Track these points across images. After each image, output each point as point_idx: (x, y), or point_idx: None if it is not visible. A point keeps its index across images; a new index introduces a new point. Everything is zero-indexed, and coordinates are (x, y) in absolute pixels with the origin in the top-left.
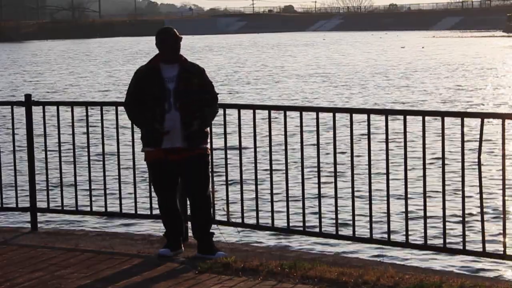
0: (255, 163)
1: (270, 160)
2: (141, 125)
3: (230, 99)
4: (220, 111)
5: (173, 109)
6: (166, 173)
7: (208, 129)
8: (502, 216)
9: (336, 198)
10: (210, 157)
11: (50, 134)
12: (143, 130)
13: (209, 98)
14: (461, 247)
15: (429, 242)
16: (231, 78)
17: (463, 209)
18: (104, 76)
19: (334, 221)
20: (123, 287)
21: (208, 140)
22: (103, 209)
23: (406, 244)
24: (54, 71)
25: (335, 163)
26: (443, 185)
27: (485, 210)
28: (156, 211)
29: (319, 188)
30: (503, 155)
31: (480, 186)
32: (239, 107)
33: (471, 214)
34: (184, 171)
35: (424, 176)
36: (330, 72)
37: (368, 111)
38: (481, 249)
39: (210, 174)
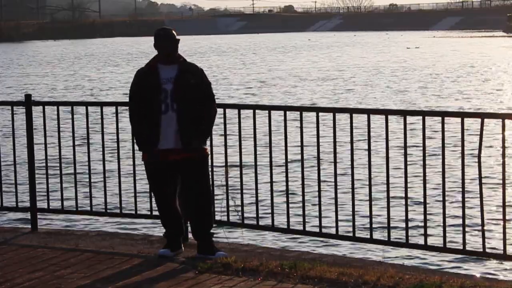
0: (255, 163)
1: (270, 160)
2: (137, 135)
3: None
4: (220, 111)
5: (170, 110)
6: (164, 173)
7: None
8: (502, 216)
9: (336, 198)
10: (209, 158)
11: (50, 135)
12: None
13: (205, 98)
14: (461, 247)
15: (429, 242)
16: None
17: (463, 209)
18: (104, 76)
19: (334, 221)
20: (123, 287)
21: (207, 141)
22: (103, 209)
23: (406, 244)
24: (54, 71)
25: (335, 163)
26: (443, 185)
27: (485, 210)
28: (156, 211)
29: (319, 188)
30: (503, 155)
31: (480, 186)
32: (239, 107)
33: (471, 214)
34: (182, 172)
35: (424, 176)
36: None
37: (368, 111)
38: (481, 249)
39: (209, 174)
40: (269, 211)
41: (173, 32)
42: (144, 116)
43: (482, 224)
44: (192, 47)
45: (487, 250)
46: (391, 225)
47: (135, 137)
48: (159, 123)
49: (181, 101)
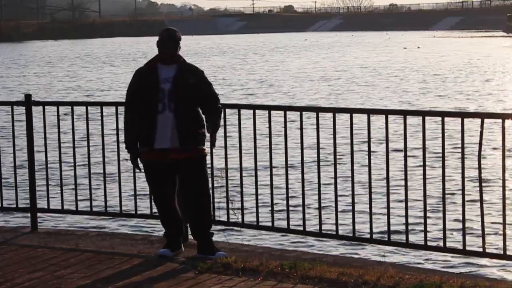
0: (255, 163)
1: (270, 160)
2: (135, 135)
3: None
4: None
5: (167, 110)
6: (163, 174)
7: (205, 129)
8: (502, 216)
9: (336, 198)
10: (207, 157)
11: (50, 135)
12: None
13: (206, 98)
14: (461, 247)
15: (429, 242)
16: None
17: (463, 209)
18: (104, 76)
19: (334, 221)
20: (123, 287)
21: (205, 141)
22: (103, 209)
23: (406, 244)
24: (54, 71)
25: (335, 163)
26: (443, 185)
27: (485, 210)
28: (156, 211)
29: (319, 188)
30: (503, 155)
31: (480, 186)
32: (239, 107)
33: (471, 214)
34: (182, 171)
35: (424, 176)
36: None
37: (368, 111)
38: (481, 249)
39: (208, 174)
40: (269, 211)
41: (177, 32)
42: (144, 115)
43: (482, 224)
44: (192, 47)
45: (487, 250)
46: (391, 225)
47: (130, 137)
48: (155, 123)
49: (179, 100)
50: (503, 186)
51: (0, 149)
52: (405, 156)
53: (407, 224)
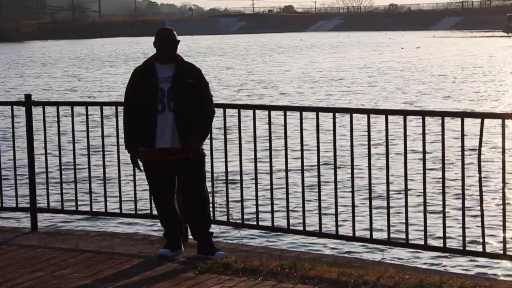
0: (255, 163)
1: (270, 160)
2: (128, 133)
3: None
4: (220, 111)
5: (167, 110)
6: (162, 173)
7: None
8: (502, 216)
9: (336, 198)
10: (205, 157)
11: (50, 135)
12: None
13: (203, 97)
14: (461, 247)
15: (429, 242)
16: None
17: (463, 209)
18: (103, 77)
19: (334, 221)
20: (123, 287)
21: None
22: (103, 209)
23: (406, 244)
24: (53, 71)
25: (335, 163)
26: (443, 185)
27: (485, 210)
28: (156, 211)
29: (319, 188)
30: (503, 155)
31: (480, 186)
32: (239, 107)
33: (471, 214)
34: (180, 171)
35: (424, 176)
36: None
37: (368, 111)
38: (481, 249)
39: (205, 174)
40: (269, 211)
41: (174, 32)
42: (143, 115)
43: (482, 224)
44: (192, 48)
45: (487, 250)
46: (391, 225)
47: (129, 137)
48: (156, 123)
49: (178, 100)
50: (503, 186)
51: (0, 149)
52: (405, 156)
53: (407, 224)
